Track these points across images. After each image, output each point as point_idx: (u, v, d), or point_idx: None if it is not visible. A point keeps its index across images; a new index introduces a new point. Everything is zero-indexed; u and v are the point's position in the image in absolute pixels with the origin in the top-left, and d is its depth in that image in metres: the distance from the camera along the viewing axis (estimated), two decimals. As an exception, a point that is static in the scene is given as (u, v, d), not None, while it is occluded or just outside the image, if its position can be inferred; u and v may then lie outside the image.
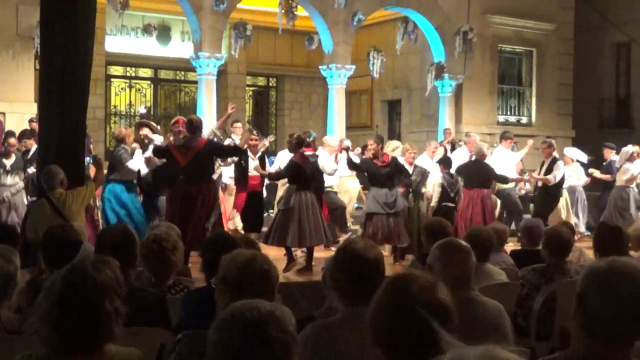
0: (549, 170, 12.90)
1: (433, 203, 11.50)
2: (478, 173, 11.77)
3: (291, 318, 2.16)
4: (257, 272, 3.16)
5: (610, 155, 14.58)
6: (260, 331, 2.06)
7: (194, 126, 9.52)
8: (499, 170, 12.23)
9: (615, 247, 5.70)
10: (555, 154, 13.21)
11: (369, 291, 3.23)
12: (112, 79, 20.45)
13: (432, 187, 11.61)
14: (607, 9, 21.63)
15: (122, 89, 20.71)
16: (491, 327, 3.62)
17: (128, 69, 20.81)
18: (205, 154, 9.39)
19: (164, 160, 9.85)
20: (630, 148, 13.95)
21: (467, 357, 0.96)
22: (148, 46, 20.13)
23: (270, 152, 13.13)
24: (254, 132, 11.48)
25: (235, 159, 10.78)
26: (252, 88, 22.96)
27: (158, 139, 10.53)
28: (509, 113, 20.20)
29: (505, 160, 13.31)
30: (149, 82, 21.22)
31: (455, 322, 2.34)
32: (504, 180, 12.58)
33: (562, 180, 13.18)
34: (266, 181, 12.23)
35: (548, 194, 12.99)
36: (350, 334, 3.20)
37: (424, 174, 11.30)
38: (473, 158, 12.29)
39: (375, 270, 3.30)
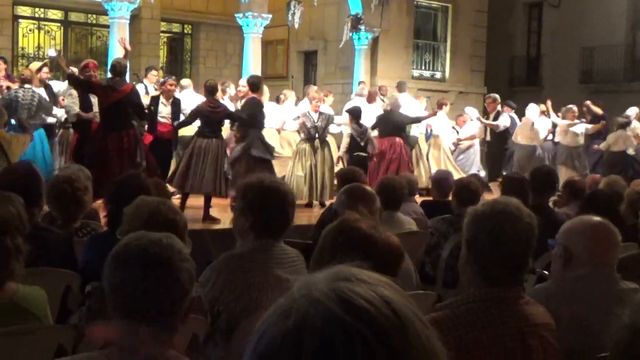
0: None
1: (341, 153, 11.50)
2: (392, 121, 11.97)
3: (184, 247, 2.16)
4: (162, 222, 3.09)
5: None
6: (167, 265, 2.04)
7: (119, 71, 9.31)
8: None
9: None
10: (500, 107, 14.18)
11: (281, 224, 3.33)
12: (20, 20, 19.68)
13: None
14: (522, -32, 21.99)
15: (30, 30, 19.96)
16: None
17: (36, 9, 20.03)
18: (128, 100, 9.23)
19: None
20: (534, 108, 14.29)
21: (317, 276, 0.98)
22: (58, -13, 19.42)
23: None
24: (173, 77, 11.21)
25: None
26: (166, 34, 22.46)
27: (59, 85, 10.38)
28: (423, 68, 20.38)
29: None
30: (58, 24, 20.49)
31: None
32: (418, 120, 12.85)
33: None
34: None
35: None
36: (260, 262, 3.28)
37: (328, 120, 11.16)
38: (388, 108, 12.30)
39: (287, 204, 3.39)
